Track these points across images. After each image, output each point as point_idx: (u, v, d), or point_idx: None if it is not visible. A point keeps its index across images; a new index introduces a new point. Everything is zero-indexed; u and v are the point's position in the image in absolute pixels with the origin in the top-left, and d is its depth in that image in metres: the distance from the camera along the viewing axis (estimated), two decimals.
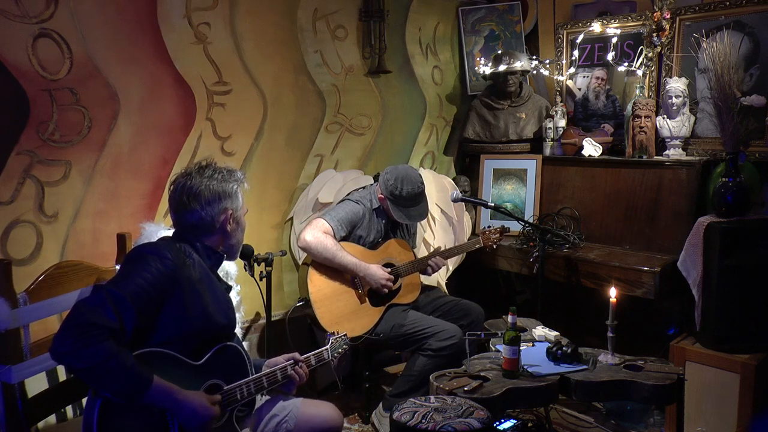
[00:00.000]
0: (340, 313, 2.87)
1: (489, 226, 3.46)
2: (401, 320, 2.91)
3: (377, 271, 2.90)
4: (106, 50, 2.71)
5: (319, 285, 2.88)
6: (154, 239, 1.98)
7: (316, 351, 2.12)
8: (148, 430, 1.63)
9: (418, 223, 3.41)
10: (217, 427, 1.75)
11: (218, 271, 2.05)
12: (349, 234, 2.98)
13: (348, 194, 3.13)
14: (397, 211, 2.96)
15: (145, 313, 1.65)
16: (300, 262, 3.40)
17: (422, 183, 3.01)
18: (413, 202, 2.97)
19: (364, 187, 3.21)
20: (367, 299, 2.96)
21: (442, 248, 3.34)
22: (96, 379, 1.54)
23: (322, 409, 2.05)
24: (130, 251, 1.83)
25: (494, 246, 3.38)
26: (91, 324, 1.54)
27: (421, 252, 3.49)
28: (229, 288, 2.03)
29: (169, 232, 1.95)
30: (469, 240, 3.48)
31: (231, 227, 1.90)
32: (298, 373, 1.98)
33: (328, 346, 2.17)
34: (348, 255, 2.87)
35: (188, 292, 1.74)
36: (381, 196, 3.00)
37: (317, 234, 2.84)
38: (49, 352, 1.55)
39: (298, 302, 3.00)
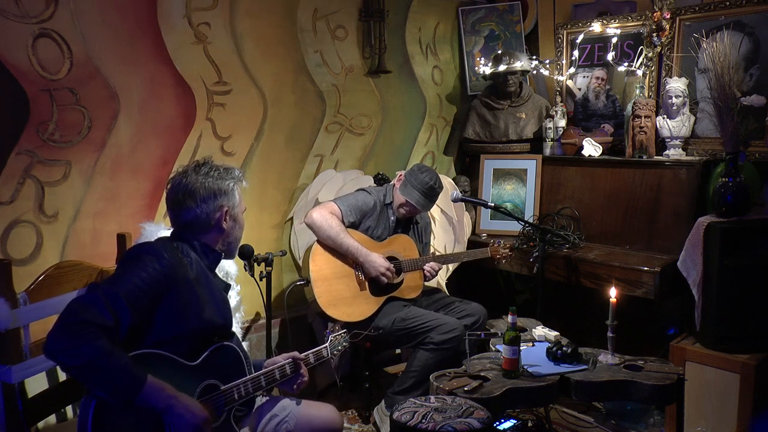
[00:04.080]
0: (339, 296, 2.88)
1: (500, 241, 3.31)
2: (402, 314, 2.92)
3: (377, 259, 2.91)
4: (106, 50, 2.71)
5: (320, 264, 2.90)
6: (154, 239, 1.98)
7: (314, 349, 2.12)
8: (143, 430, 1.63)
9: (431, 234, 3.42)
10: (215, 426, 1.75)
11: (218, 271, 2.04)
12: (358, 222, 3.00)
13: (365, 187, 3.18)
14: (403, 186, 2.99)
15: (141, 312, 1.65)
16: (299, 259, 3.41)
17: (440, 187, 3.03)
18: (422, 188, 2.96)
19: (380, 184, 3.24)
20: (367, 287, 2.97)
21: (443, 249, 3.34)
22: (89, 377, 1.54)
23: (323, 411, 2.04)
24: (127, 251, 1.83)
25: (503, 260, 3.28)
26: (85, 322, 1.53)
27: None
28: (228, 286, 2.02)
29: (169, 233, 1.95)
30: (475, 248, 3.41)
31: (227, 224, 1.89)
32: (302, 375, 1.99)
33: (327, 344, 2.16)
34: (350, 238, 2.89)
35: (185, 292, 1.74)
36: (401, 174, 3.04)
37: (324, 213, 2.89)
38: (42, 350, 1.55)
39: (299, 281, 3.00)
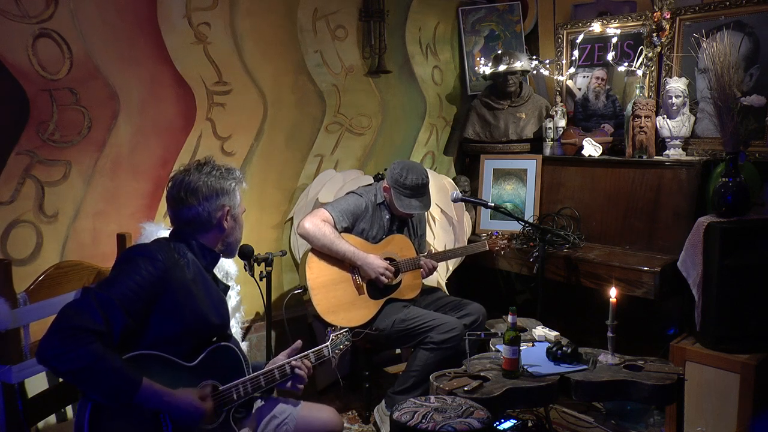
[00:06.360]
0: (338, 302, 2.88)
1: (497, 233, 3.41)
2: (402, 315, 2.92)
3: (375, 261, 2.90)
4: (106, 50, 2.71)
5: (317, 272, 2.89)
6: (151, 240, 1.98)
7: (315, 348, 2.11)
8: (140, 431, 1.63)
9: (427, 227, 3.41)
10: (213, 427, 1.75)
11: (218, 271, 2.04)
12: (352, 226, 3.00)
13: (354, 189, 3.16)
14: (398, 200, 2.97)
15: (135, 315, 1.64)
16: (299, 258, 3.40)
17: (427, 177, 3.02)
18: (415, 192, 2.97)
19: (370, 184, 3.23)
20: (365, 291, 2.96)
21: (443, 248, 3.33)
22: (83, 381, 1.53)
23: (322, 413, 2.04)
24: (121, 253, 1.83)
25: (501, 252, 3.36)
26: (78, 327, 1.53)
27: None
28: (227, 288, 2.02)
29: (169, 233, 1.94)
30: (473, 243, 3.45)
31: (228, 224, 1.89)
32: (306, 366, 1.99)
33: (328, 343, 2.16)
34: (346, 243, 2.88)
35: (180, 293, 1.74)
36: (386, 185, 3.02)
37: (316, 221, 2.87)
38: (35, 356, 1.54)
39: (296, 290, 3.00)
